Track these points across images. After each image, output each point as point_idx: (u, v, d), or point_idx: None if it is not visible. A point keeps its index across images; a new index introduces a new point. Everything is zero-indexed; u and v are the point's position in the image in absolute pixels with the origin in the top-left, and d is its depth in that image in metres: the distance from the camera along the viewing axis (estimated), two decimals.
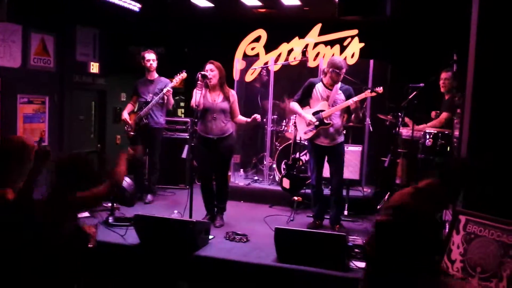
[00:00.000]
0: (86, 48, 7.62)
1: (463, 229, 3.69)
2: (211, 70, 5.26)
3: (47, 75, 6.89)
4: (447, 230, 4.18)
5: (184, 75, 6.08)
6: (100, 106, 8.21)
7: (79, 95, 7.60)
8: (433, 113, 6.13)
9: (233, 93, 5.43)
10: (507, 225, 3.40)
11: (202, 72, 5.19)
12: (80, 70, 7.49)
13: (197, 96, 5.19)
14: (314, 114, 5.32)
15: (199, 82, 5.17)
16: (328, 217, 5.47)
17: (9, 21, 5.43)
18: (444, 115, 5.74)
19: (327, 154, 5.38)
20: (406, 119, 5.83)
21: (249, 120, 5.30)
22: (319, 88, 5.35)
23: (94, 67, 7.71)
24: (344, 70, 5.22)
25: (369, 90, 5.21)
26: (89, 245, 3.82)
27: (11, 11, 4.91)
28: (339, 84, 5.32)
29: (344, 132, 5.74)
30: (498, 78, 3.87)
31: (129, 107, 6.46)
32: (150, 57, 6.29)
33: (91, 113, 8.09)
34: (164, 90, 6.05)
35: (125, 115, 6.32)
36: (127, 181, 5.69)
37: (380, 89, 5.16)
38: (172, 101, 6.27)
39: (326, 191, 5.59)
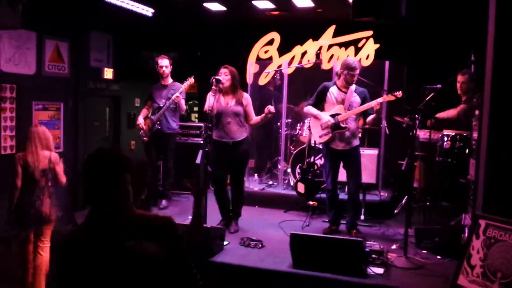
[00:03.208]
0: (100, 54, 7.65)
1: (483, 233, 3.62)
2: (225, 74, 5.25)
3: (62, 81, 6.92)
4: (466, 235, 4.10)
5: (191, 80, 6.08)
6: (114, 112, 8.23)
7: (94, 101, 7.62)
8: None
9: (246, 96, 5.40)
10: None
11: (216, 77, 5.18)
12: (94, 76, 7.51)
13: (211, 101, 5.19)
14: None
15: (213, 87, 5.16)
16: (344, 222, 5.40)
17: (23, 28, 5.45)
18: (461, 106, 5.62)
19: (343, 158, 5.31)
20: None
21: (262, 116, 5.25)
22: (333, 91, 5.28)
23: (108, 73, 7.73)
24: (358, 71, 5.15)
25: (388, 94, 5.12)
26: None
27: (25, 18, 4.92)
28: (353, 87, 5.24)
29: (360, 135, 5.66)
30: None
31: (144, 112, 6.48)
32: (164, 63, 6.30)
33: (106, 119, 8.11)
34: (173, 97, 6.04)
35: (140, 120, 6.34)
36: None
37: (399, 94, 5.07)
38: (183, 106, 6.26)
39: (342, 196, 5.52)
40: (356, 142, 5.30)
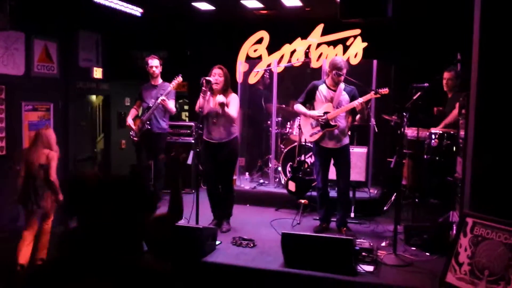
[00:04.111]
0: (89, 54, 7.62)
1: (470, 231, 3.68)
2: (219, 76, 5.25)
3: (51, 81, 6.89)
4: (454, 232, 4.18)
5: (179, 79, 6.07)
6: (104, 111, 8.21)
7: (83, 101, 7.60)
8: (435, 110, 6.09)
9: (232, 96, 5.33)
10: None
11: (207, 78, 5.19)
12: (83, 76, 7.48)
13: (201, 101, 5.21)
14: None
15: (203, 88, 5.17)
16: (334, 219, 5.46)
17: (11, 28, 5.41)
18: (456, 111, 5.68)
19: (333, 157, 5.36)
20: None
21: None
22: (322, 90, 5.33)
23: (98, 73, 7.70)
24: (345, 71, 5.20)
25: (374, 92, 5.18)
26: None
27: (13, 18, 4.90)
28: (342, 85, 5.29)
29: (349, 133, 5.72)
30: (503, 77, 3.85)
31: (132, 112, 6.47)
32: (154, 64, 6.29)
33: (96, 119, 8.10)
34: (158, 100, 6.03)
35: (129, 120, 6.33)
36: None
37: (385, 90, 5.12)
38: (170, 108, 6.21)
39: (333, 193, 5.58)
40: (346, 140, 5.35)
